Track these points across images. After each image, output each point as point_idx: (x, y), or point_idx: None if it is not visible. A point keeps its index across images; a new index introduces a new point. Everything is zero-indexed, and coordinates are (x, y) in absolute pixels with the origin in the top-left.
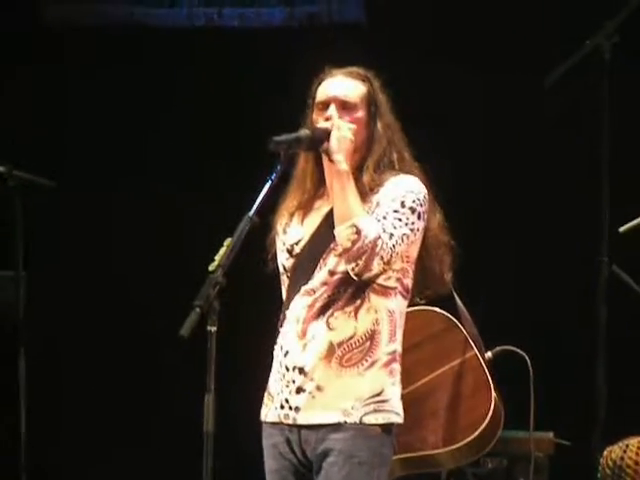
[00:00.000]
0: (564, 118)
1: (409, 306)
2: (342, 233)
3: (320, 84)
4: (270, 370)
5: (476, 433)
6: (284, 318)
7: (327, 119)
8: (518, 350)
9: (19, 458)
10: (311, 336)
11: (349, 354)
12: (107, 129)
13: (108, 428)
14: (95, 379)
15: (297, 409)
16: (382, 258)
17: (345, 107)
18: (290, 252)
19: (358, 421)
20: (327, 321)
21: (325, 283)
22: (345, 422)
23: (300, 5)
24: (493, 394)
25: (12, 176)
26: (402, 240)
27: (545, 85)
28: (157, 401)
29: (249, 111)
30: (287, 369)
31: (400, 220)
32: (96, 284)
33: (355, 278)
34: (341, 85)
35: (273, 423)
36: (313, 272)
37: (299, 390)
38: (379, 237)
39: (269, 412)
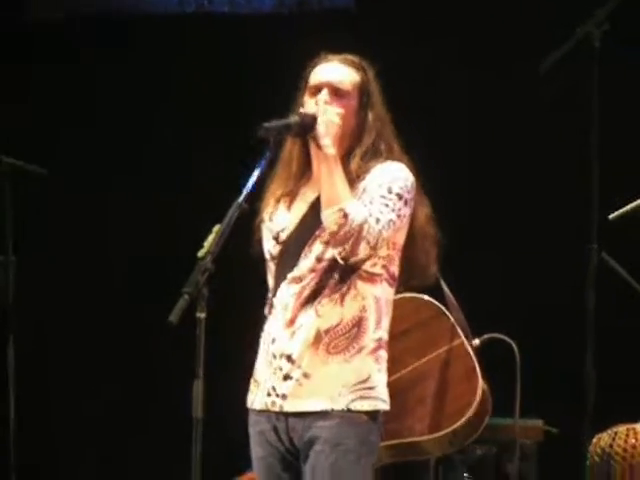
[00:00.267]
0: (554, 105)
1: (395, 295)
2: (329, 217)
3: (314, 68)
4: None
5: (462, 420)
6: (271, 305)
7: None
8: (505, 337)
9: (8, 445)
10: (299, 324)
11: (336, 341)
12: (96, 115)
13: (96, 414)
14: (83, 365)
15: (284, 396)
16: (369, 242)
17: (337, 93)
18: (276, 239)
19: (345, 408)
20: (315, 308)
21: (312, 270)
22: (332, 409)
23: None
24: (480, 381)
25: (2, 163)
26: (388, 225)
27: (540, 71)
28: (146, 388)
29: (239, 97)
30: (274, 356)
31: (387, 206)
32: (85, 270)
33: (341, 262)
34: (335, 71)
35: (260, 411)
36: (299, 259)
37: (286, 377)
38: (366, 221)
39: (255, 399)
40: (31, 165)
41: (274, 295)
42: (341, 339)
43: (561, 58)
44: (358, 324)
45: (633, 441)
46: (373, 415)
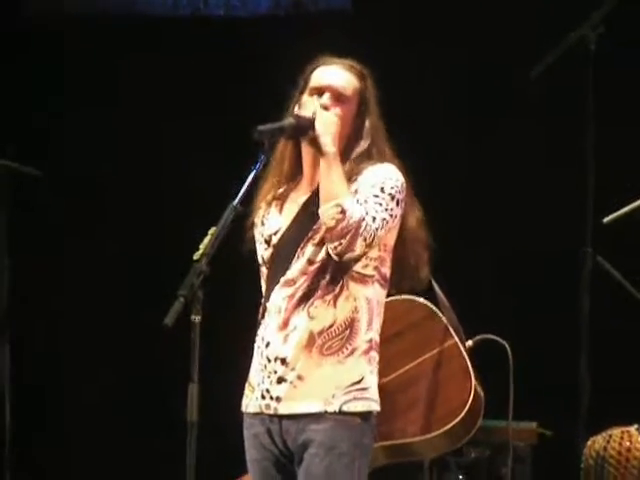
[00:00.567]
0: (549, 108)
1: (388, 297)
2: (327, 212)
3: (316, 69)
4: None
5: (455, 421)
6: (264, 309)
7: (326, 108)
8: (498, 339)
9: (3, 446)
10: (293, 327)
11: (329, 342)
12: (92, 115)
13: (91, 417)
14: (78, 368)
15: (278, 399)
16: (365, 239)
17: (339, 98)
18: (268, 242)
19: (338, 410)
20: (308, 311)
21: (304, 273)
22: (325, 412)
23: None
24: (473, 383)
25: None
26: (383, 224)
27: (531, 77)
28: (141, 390)
29: (235, 100)
30: (269, 360)
31: (380, 205)
32: (81, 273)
33: (336, 258)
34: (339, 76)
35: (254, 414)
36: (291, 262)
37: (280, 380)
38: (363, 218)
39: (250, 402)
40: (26, 167)
41: (267, 300)
42: (334, 340)
43: (556, 61)
44: (350, 325)
45: (627, 444)
46: (366, 416)
